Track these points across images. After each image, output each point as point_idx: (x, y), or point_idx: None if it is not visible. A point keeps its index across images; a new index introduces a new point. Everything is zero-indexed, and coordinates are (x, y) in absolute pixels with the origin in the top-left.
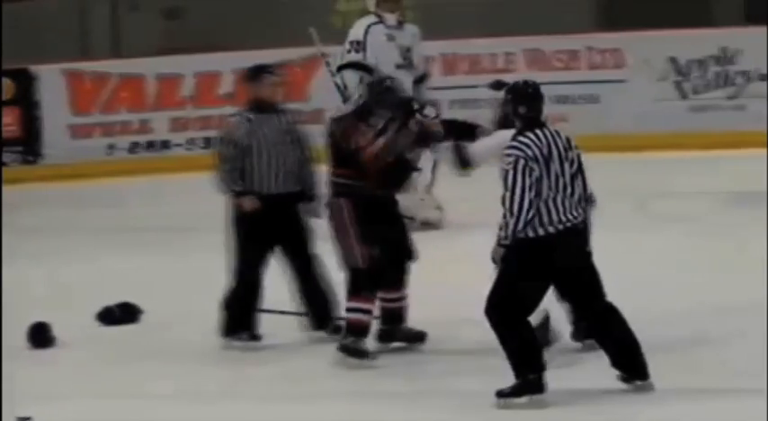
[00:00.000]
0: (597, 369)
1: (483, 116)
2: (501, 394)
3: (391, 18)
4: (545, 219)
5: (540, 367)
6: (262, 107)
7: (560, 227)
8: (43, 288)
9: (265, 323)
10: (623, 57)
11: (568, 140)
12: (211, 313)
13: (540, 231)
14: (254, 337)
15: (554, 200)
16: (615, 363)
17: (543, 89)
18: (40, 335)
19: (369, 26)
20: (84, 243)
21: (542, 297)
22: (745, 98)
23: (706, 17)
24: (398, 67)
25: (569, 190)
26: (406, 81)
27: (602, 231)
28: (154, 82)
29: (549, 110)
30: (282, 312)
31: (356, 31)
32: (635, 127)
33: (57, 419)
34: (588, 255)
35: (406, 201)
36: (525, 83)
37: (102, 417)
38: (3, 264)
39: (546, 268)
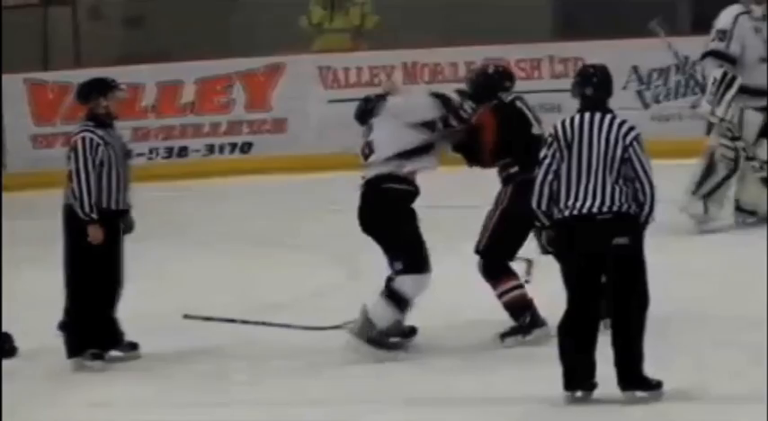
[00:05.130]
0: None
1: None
2: None
3: (758, 10)
4: (562, 203)
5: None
6: (106, 122)
7: (571, 213)
8: (3, 298)
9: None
10: None
11: (624, 129)
12: (171, 322)
13: (561, 214)
14: (98, 356)
15: (570, 184)
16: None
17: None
18: (1, 346)
19: (737, 15)
20: (46, 252)
21: (577, 281)
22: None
23: (669, 26)
24: (762, 60)
25: (596, 178)
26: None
27: None
28: None
29: None
30: (208, 318)
31: (724, 20)
32: None
33: None
34: (616, 248)
35: (747, 194)
36: (593, 66)
37: None
38: None
39: (574, 251)
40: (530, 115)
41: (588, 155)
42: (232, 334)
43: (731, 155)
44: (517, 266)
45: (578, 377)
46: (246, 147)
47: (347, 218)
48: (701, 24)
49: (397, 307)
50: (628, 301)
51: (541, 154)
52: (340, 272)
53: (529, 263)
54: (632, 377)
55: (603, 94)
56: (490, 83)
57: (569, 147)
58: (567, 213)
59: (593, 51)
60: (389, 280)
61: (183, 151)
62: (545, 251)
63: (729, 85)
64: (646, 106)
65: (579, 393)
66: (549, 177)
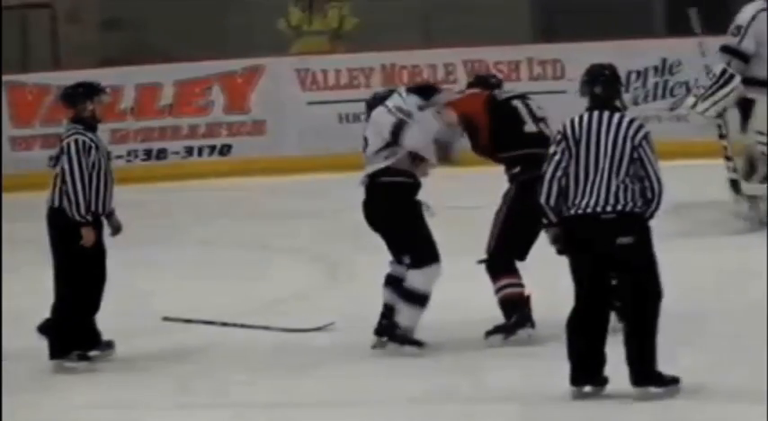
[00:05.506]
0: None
1: None
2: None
3: None
4: (569, 201)
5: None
6: (93, 126)
7: (575, 212)
8: None
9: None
10: (563, 68)
11: (633, 128)
12: (154, 324)
13: (568, 213)
14: (84, 357)
15: (576, 183)
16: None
17: None
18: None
19: (757, 12)
20: (26, 255)
21: (584, 277)
22: (685, 108)
23: (646, 28)
24: None
25: (601, 177)
26: None
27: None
28: None
29: None
30: (188, 321)
31: (743, 16)
32: None
33: None
34: (620, 248)
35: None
36: (600, 65)
37: None
38: None
39: (580, 251)
40: (524, 113)
41: (595, 154)
42: (219, 336)
43: None
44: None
45: (586, 372)
46: (226, 150)
47: (328, 219)
48: (676, 26)
49: (416, 303)
50: (637, 299)
51: (550, 150)
52: (322, 274)
53: None
54: (645, 373)
55: (612, 93)
56: (476, 82)
57: (577, 145)
58: (572, 212)
59: (572, 54)
60: (391, 278)
61: (161, 153)
62: (558, 250)
63: (725, 84)
64: (624, 108)
65: (587, 388)
66: (558, 174)
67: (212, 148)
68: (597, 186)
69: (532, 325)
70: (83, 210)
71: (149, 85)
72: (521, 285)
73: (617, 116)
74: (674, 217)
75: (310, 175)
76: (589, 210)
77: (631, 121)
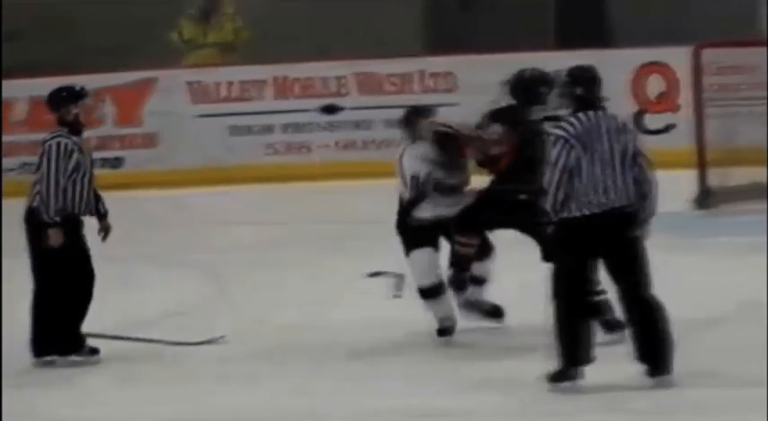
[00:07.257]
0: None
1: (314, 140)
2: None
3: None
4: (583, 199)
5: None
6: (77, 129)
7: (599, 209)
8: None
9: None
10: (456, 80)
11: (624, 125)
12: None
13: (580, 212)
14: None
15: (594, 181)
16: (640, 357)
17: (375, 113)
18: None
19: None
20: None
21: (588, 277)
22: None
23: (539, 41)
24: None
25: (615, 173)
26: None
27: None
28: None
29: (380, 134)
30: (115, 337)
31: None
32: None
33: None
34: (631, 240)
35: None
36: (580, 67)
37: None
38: None
39: (584, 248)
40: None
41: (604, 152)
42: (109, 349)
43: None
44: (387, 281)
45: (581, 365)
46: (117, 163)
47: (219, 233)
48: (567, 40)
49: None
50: (648, 289)
51: (551, 156)
52: (212, 287)
53: (399, 277)
54: (668, 363)
55: (596, 93)
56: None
57: (585, 147)
58: (597, 209)
59: (464, 66)
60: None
61: None
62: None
63: None
64: None
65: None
66: (562, 182)
67: (104, 161)
68: (612, 182)
69: (464, 287)
70: (51, 212)
71: (43, 98)
72: (473, 246)
73: (608, 115)
74: None
75: (201, 188)
76: (616, 204)
77: (617, 118)
